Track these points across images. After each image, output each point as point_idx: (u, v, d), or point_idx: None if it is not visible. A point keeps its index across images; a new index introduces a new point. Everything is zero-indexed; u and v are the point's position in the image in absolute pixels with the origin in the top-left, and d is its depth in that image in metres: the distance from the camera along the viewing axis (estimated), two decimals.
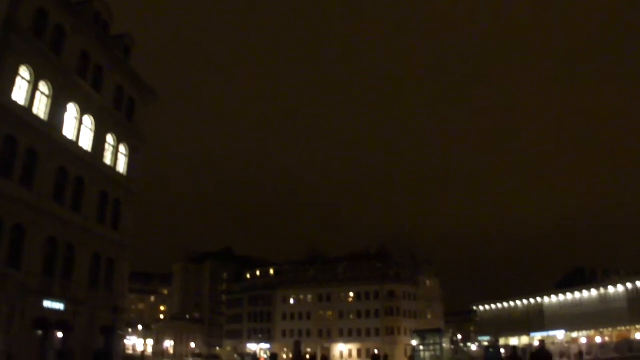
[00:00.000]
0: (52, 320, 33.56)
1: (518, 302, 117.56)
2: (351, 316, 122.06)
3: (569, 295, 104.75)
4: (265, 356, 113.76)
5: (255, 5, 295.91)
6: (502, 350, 74.32)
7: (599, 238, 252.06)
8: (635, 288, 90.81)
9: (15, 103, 31.73)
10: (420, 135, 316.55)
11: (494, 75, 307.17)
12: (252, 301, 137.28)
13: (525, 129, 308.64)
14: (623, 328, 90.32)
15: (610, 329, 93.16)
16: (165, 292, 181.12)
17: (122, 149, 44.89)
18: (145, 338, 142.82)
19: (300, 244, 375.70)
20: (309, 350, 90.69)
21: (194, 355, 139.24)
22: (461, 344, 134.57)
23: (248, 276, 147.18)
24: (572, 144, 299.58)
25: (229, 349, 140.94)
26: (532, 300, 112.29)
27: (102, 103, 41.13)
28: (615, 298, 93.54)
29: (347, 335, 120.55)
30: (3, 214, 30.32)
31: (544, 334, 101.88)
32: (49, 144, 34.24)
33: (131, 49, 47.20)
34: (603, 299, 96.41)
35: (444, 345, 70.24)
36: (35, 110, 33.67)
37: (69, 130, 37.33)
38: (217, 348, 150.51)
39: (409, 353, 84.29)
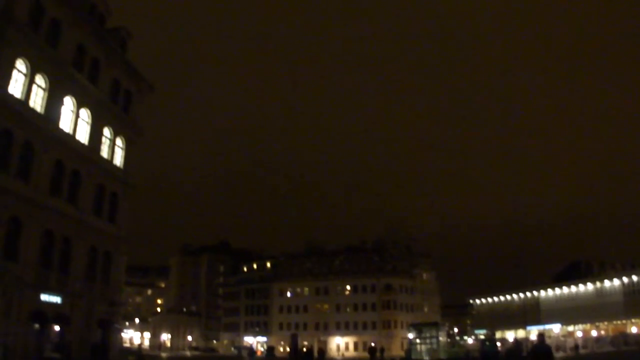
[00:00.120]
0: (49, 313, 33.56)
1: (514, 296, 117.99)
2: (348, 309, 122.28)
3: (565, 289, 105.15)
4: (262, 349, 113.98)
5: None
6: (499, 344, 74.66)
7: (596, 232, 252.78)
8: (631, 282, 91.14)
9: (11, 96, 31.63)
10: (417, 128, 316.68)
11: (493, 69, 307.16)
12: (248, 294, 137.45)
13: (522, 123, 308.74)
14: (619, 322, 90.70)
15: (606, 323, 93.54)
16: (162, 285, 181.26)
17: (119, 141, 44.80)
18: (142, 331, 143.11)
19: (297, 237, 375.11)
20: (305, 343, 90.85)
21: (191, 348, 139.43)
22: (458, 337, 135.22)
23: (245, 269, 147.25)
24: (570, 139, 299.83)
25: (225, 342, 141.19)
26: (528, 294, 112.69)
27: (99, 96, 41.01)
28: (611, 292, 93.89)
29: (344, 328, 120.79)
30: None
31: (540, 327, 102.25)
32: (45, 137, 34.13)
33: (127, 42, 47.08)
34: (599, 292, 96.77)
35: (441, 338, 70.28)
36: (31, 104, 33.58)
37: (65, 123, 37.24)
38: (214, 341, 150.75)
39: (405, 346, 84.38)
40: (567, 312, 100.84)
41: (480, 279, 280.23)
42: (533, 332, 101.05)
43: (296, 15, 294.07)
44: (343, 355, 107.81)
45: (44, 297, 33.64)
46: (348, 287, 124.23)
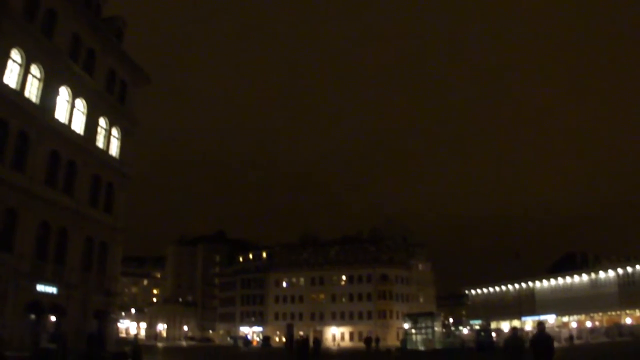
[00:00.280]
0: (45, 304, 33.54)
1: (510, 287, 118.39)
2: (343, 299, 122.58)
3: (560, 280, 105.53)
4: (258, 339, 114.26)
5: None
6: (494, 334, 74.92)
7: (591, 224, 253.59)
8: (625, 273, 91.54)
9: (6, 86, 31.47)
10: (414, 120, 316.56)
11: (493, 63, 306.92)
12: (244, 284, 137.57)
13: (519, 117, 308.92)
14: (613, 313, 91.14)
15: (600, 314, 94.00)
16: (158, 275, 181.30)
17: (115, 132, 44.64)
18: (138, 321, 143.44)
19: (292, 227, 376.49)
20: (301, 333, 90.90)
21: (187, 338, 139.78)
22: (453, 328, 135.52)
23: (241, 259, 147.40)
24: (566, 133, 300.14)
25: (221, 332, 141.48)
26: (523, 285, 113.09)
27: (94, 86, 40.83)
28: (606, 283, 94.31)
29: (340, 318, 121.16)
30: None
31: (535, 318, 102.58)
32: (40, 128, 33.98)
33: (123, 32, 46.81)
34: (594, 284, 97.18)
35: (436, 328, 70.57)
36: (27, 94, 33.41)
37: (61, 113, 37.08)
38: (210, 331, 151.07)
39: (401, 336, 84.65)
40: (562, 303, 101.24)
41: (475, 270, 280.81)
42: (528, 323, 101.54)
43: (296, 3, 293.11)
44: (339, 345, 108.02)
45: (40, 288, 33.61)
46: (344, 277, 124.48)
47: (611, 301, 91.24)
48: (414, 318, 74.85)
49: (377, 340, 73.82)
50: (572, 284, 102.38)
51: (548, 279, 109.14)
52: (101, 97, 41.91)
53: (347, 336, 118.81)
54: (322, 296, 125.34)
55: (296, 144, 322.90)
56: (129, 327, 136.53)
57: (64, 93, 37.42)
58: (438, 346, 66.90)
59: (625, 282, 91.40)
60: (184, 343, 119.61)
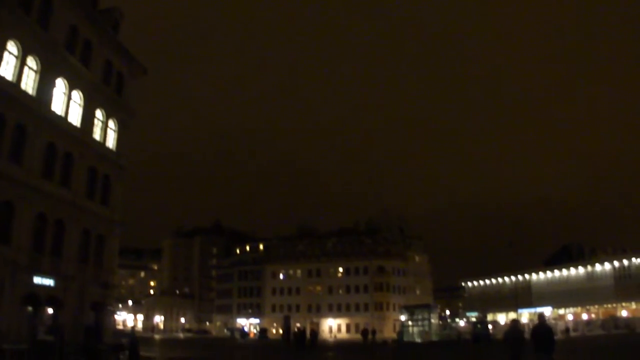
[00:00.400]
0: (42, 296, 33.49)
1: (506, 279, 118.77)
2: (340, 291, 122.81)
3: (557, 273, 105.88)
4: (255, 331, 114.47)
5: None
6: (490, 326, 75.17)
7: (588, 216, 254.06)
8: (621, 266, 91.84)
9: (2, 78, 31.25)
10: (411, 111, 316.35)
11: (492, 50, 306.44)
12: (241, 276, 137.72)
13: (515, 108, 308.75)
14: (609, 305, 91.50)
15: (596, 306, 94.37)
16: (155, 267, 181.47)
17: (111, 124, 44.43)
18: (135, 313, 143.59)
19: (289, 219, 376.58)
20: (298, 325, 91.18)
21: (184, 330, 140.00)
22: (449, 320, 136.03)
23: (237, 251, 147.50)
24: (564, 126, 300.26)
25: (218, 323, 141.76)
26: (519, 277, 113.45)
27: (91, 78, 40.62)
28: (602, 276, 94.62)
29: (336, 310, 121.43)
30: None
31: (531, 310, 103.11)
32: (37, 120, 33.80)
33: (120, 23, 46.57)
34: (590, 276, 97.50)
35: (433, 320, 70.80)
36: (23, 86, 33.20)
37: (57, 105, 36.86)
38: (207, 323, 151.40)
39: (397, 328, 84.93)
40: (558, 295, 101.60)
41: (472, 262, 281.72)
42: (524, 315, 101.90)
43: None
44: (335, 336, 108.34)
45: (37, 280, 33.54)
46: (340, 269, 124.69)
47: (607, 294, 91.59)
48: (410, 310, 75.05)
49: (374, 332, 74.03)
50: (568, 277, 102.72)
51: (544, 272, 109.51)
52: (98, 89, 41.70)
53: (343, 328, 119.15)
54: (319, 288, 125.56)
55: (292, 137, 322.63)
56: (126, 319, 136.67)
57: (60, 85, 37.22)
58: (434, 338, 67.11)
59: (621, 275, 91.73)
60: (181, 335, 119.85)
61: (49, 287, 34.47)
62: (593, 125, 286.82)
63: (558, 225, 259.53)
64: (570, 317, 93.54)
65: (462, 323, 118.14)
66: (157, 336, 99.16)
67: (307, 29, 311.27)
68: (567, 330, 72.00)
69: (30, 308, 33.08)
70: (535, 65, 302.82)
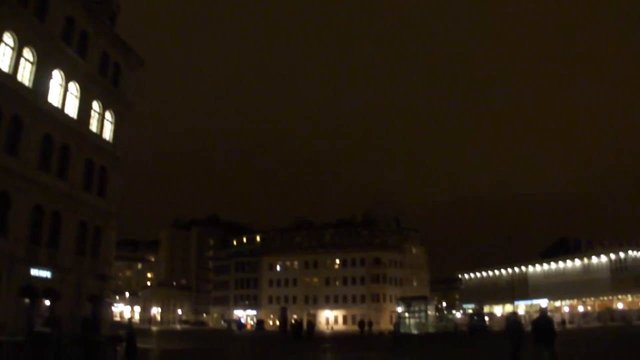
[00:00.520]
0: (39, 288, 33.48)
1: (502, 271, 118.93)
2: (337, 283, 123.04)
3: (553, 265, 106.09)
4: (252, 322, 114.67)
5: None
6: (487, 318, 75.43)
7: (584, 209, 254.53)
8: (618, 259, 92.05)
9: None
10: (407, 103, 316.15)
11: (489, 43, 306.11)
12: (238, 268, 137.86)
13: (512, 101, 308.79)
14: (605, 298, 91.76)
15: (592, 299, 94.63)
16: (152, 259, 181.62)
17: (108, 115, 44.27)
18: (132, 305, 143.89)
19: (286, 211, 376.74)
20: (295, 316, 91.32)
21: (181, 321, 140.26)
22: (446, 312, 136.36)
23: (234, 243, 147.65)
24: (561, 119, 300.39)
25: (215, 315, 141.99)
26: (516, 269, 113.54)
27: (88, 69, 40.46)
28: (598, 268, 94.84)
29: (333, 302, 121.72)
30: None
31: (528, 302, 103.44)
32: (34, 111, 33.67)
33: (117, 15, 46.39)
34: (586, 269, 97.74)
35: (429, 312, 71.04)
36: (19, 77, 33.04)
37: (54, 97, 36.72)
38: (204, 315, 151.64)
39: (394, 320, 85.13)
40: (555, 287, 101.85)
41: (469, 254, 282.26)
42: (521, 307, 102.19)
43: None
44: (332, 328, 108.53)
45: (34, 272, 33.53)
46: (337, 261, 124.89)
47: (603, 286, 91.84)
48: (407, 302, 75.26)
49: (370, 323, 74.22)
50: (564, 269, 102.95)
51: (541, 264, 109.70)
52: (94, 81, 41.55)
53: (340, 319, 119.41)
54: (315, 280, 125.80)
55: (289, 128, 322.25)
56: (123, 311, 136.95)
57: (57, 76, 37.06)
58: (431, 330, 67.35)
59: (617, 268, 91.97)
60: (178, 327, 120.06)
61: (46, 279, 34.46)
62: (591, 122, 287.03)
63: (555, 217, 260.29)
64: (566, 310, 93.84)
65: (458, 315, 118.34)
66: (154, 328, 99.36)
67: (307, 28, 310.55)
68: (563, 322, 72.28)
69: (27, 300, 33.07)
70: (535, 65, 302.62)
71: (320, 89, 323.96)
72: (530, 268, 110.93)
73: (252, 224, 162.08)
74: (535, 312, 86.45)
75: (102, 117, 43.19)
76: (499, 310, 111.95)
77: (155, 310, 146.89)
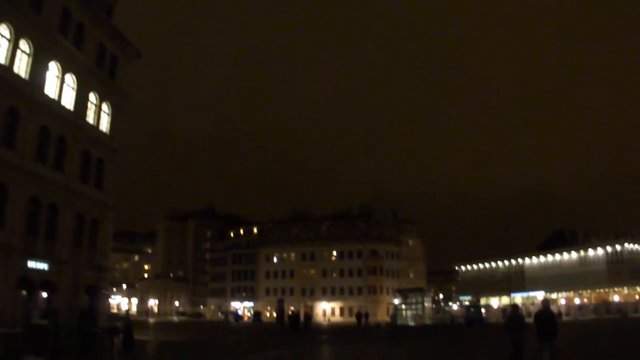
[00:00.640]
0: (36, 280, 33.49)
1: (499, 263, 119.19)
2: (334, 275, 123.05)
3: (550, 257, 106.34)
4: (249, 314, 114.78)
5: None
6: (483, 310, 75.60)
7: (580, 202, 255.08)
8: (614, 251, 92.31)
9: None
10: (405, 96, 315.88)
11: (489, 36, 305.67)
12: (235, 260, 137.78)
13: (505, 92, 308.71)
14: (601, 290, 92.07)
15: (589, 291, 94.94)
16: (149, 251, 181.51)
17: (105, 107, 44.19)
18: (129, 297, 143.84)
19: (283, 203, 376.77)
20: (292, 308, 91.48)
21: (178, 313, 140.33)
22: (443, 304, 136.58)
23: (232, 235, 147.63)
24: (560, 112, 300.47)
25: (212, 307, 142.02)
26: (513, 262, 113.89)
27: (84, 61, 40.34)
28: (595, 261, 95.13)
29: (330, 294, 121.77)
30: None
31: (524, 294, 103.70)
32: (30, 103, 33.59)
33: (114, 6, 46.20)
34: (583, 261, 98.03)
35: (426, 304, 71.15)
36: (15, 69, 32.95)
37: (50, 89, 36.64)
38: (201, 306, 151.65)
39: (391, 312, 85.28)
40: (551, 279, 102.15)
41: (465, 246, 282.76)
42: (517, 299, 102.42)
43: None
44: (329, 320, 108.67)
45: (31, 264, 33.55)
46: (334, 253, 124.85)
47: (599, 279, 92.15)
48: (404, 294, 75.37)
49: (367, 315, 74.28)
50: (561, 261, 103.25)
51: (537, 256, 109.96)
52: (91, 72, 41.43)
53: (337, 311, 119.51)
54: (312, 272, 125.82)
55: (286, 120, 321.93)
56: (120, 302, 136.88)
57: (53, 68, 36.97)
58: (428, 322, 67.47)
59: (613, 260, 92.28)
60: (175, 318, 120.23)
61: (43, 271, 34.50)
62: (589, 120, 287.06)
63: (551, 210, 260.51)
64: (562, 302, 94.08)
65: (455, 307, 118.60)
66: (151, 320, 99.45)
67: (307, 27, 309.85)
68: (559, 314, 72.40)
69: (24, 292, 33.10)
70: (535, 65, 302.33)
71: (320, 88, 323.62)
72: (527, 260, 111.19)
73: (249, 216, 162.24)
74: (532, 304, 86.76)
75: (98, 109, 43.12)
76: (495, 302, 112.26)
77: (152, 302, 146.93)
